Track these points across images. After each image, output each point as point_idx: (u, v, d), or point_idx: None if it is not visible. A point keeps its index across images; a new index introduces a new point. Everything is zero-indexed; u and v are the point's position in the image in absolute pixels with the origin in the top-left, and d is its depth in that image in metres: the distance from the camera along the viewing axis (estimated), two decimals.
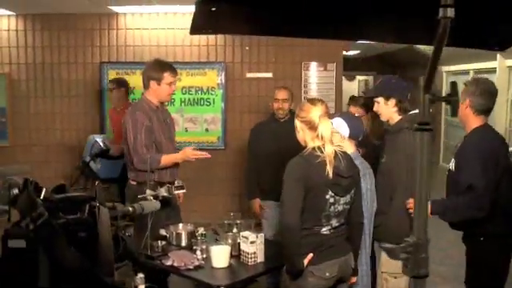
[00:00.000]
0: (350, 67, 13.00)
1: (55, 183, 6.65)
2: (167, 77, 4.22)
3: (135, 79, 7.05)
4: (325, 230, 2.95)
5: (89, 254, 1.57)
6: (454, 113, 1.15)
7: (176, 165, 4.43)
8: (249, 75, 7.18)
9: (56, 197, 1.76)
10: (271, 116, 5.15)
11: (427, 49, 12.25)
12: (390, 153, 3.43)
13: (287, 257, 2.95)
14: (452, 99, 1.16)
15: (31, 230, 1.51)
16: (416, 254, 1.25)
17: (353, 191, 3.03)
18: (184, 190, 3.79)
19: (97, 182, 1.73)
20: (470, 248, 3.40)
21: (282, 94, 5.03)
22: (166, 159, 4.17)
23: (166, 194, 3.67)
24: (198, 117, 7.17)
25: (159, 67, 4.28)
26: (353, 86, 19.04)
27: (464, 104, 3.38)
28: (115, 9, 6.78)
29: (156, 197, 3.61)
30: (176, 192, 3.72)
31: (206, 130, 7.17)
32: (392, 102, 3.47)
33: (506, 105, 9.81)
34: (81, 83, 7.21)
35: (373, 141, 3.73)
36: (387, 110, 3.50)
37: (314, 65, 7.19)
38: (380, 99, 3.52)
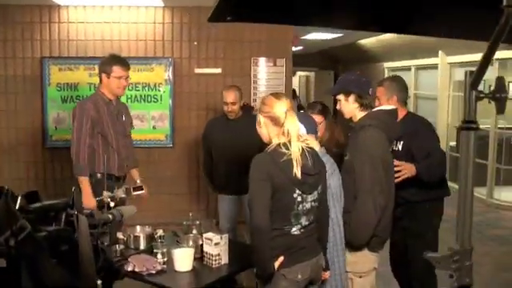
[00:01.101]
0: (294, 63, 12.97)
1: None
2: (116, 70, 4.23)
3: (79, 75, 6.79)
4: (295, 230, 2.86)
5: (71, 269, 1.40)
6: (501, 110, 1.06)
7: (128, 157, 4.42)
8: (197, 71, 7.02)
9: (32, 206, 1.57)
10: (224, 115, 5.16)
11: (369, 45, 12.42)
12: (352, 150, 3.37)
13: (258, 261, 2.84)
14: (499, 96, 1.08)
15: (12, 247, 1.33)
16: (462, 263, 1.16)
17: (320, 187, 2.95)
18: (143, 191, 3.62)
19: (74, 187, 1.58)
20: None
21: (230, 97, 5.02)
22: (84, 183, 4.12)
23: (123, 196, 3.50)
24: (145, 114, 6.95)
25: (109, 60, 4.31)
26: (294, 82, 19.14)
27: (392, 100, 3.96)
28: (57, 0, 6.47)
29: (113, 198, 3.44)
30: (135, 193, 3.55)
31: (154, 127, 6.97)
32: (352, 98, 3.41)
33: (448, 100, 10.05)
34: (20, 79, 6.84)
35: (332, 149, 3.70)
36: (348, 106, 3.44)
37: (263, 60, 7.10)
38: (340, 96, 3.45)
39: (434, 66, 10.27)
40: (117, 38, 6.85)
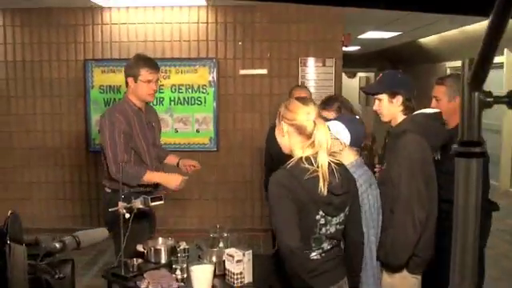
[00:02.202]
0: (350, 64, 12.54)
1: (37, 189, 6.20)
2: (144, 73, 3.76)
3: (121, 77, 6.57)
4: (315, 255, 2.50)
5: None
6: None
7: (157, 166, 4.03)
8: (242, 72, 6.75)
9: None
10: None
11: (430, 43, 11.83)
12: (391, 158, 2.99)
13: (298, 284, 2.45)
14: None
15: None
16: None
17: (347, 208, 2.58)
18: (162, 202, 3.35)
19: (10, 211, 1.34)
20: None
21: (299, 94, 4.46)
22: (150, 177, 3.78)
23: (141, 207, 3.25)
24: (188, 117, 6.74)
25: (135, 62, 3.85)
26: (354, 84, 18.65)
27: (454, 101, 3.40)
28: (100, 2, 6.35)
29: (130, 209, 3.21)
30: (153, 204, 3.29)
31: (197, 130, 6.75)
32: (398, 99, 3.03)
33: None
34: (64, 82, 6.79)
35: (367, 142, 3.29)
36: (392, 108, 3.06)
37: (311, 60, 6.76)
38: (383, 96, 3.07)
39: (499, 65, 9.61)
40: (160, 39, 6.68)
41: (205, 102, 6.73)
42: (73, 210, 6.97)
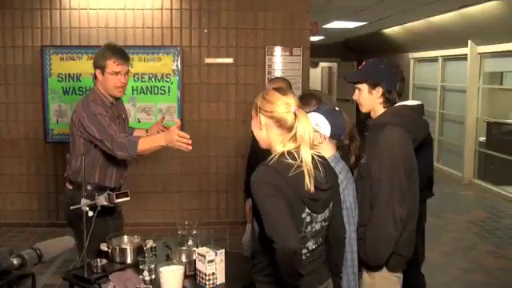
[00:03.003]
0: (313, 53, 12.41)
1: None
2: (111, 65, 3.47)
3: (81, 65, 6.37)
4: None
5: None
6: None
7: (124, 166, 3.79)
8: (208, 61, 6.54)
9: None
10: None
11: (394, 34, 11.82)
12: (370, 152, 2.85)
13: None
14: None
15: None
16: None
17: (331, 204, 2.43)
18: (128, 198, 3.15)
19: None
20: None
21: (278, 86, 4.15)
22: (145, 143, 3.36)
23: (105, 203, 3.04)
24: (151, 106, 6.51)
25: (102, 53, 3.55)
26: (317, 73, 18.61)
27: None
28: None
29: (94, 206, 3.00)
30: (118, 200, 3.08)
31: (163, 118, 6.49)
32: (379, 90, 2.90)
33: (478, 93, 9.43)
34: (20, 69, 6.45)
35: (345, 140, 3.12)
36: (371, 99, 2.93)
37: (278, 49, 6.60)
38: (363, 86, 2.92)
39: (463, 57, 9.64)
40: (122, 26, 6.41)
41: (169, 92, 6.50)
42: (30, 203, 6.66)
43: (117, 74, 3.50)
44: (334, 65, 17.56)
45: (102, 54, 3.54)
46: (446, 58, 10.77)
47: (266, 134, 2.36)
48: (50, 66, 6.39)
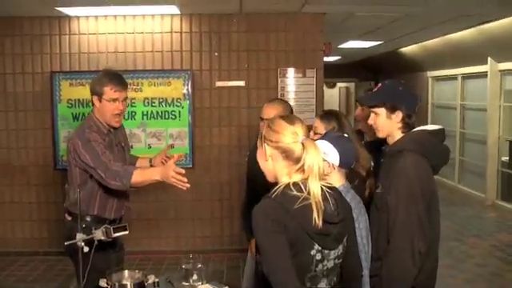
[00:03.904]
0: (330, 73, 12.25)
1: (1, 209, 5.77)
2: (108, 92, 3.36)
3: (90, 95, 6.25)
4: None
5: None
6: None
7: (125, 197, 3.63)
8: (218, 84, 6.41)
9: None
10: None
11: (411, 53, 11.62)
12: (387, 180, 2.65)
13: None
14: None
15: None
16: None
17: (345, 239, 2.22)
18: (126, 232, 2.98)
19: None
20: None
21: (269, 112, 3.70)
22: (140, 175, 3.22)
23: (103, 238, 2.88)
24: (162, 131, 6.38)
25: (99, 79, 3.44)
26: (334, 94, 18.43)
27: None
28: (66, 11, 5.96)
29: (90, 242, 2.84)
30: (116, 234, 2.92)
31: (172, 146, 6.34)
32: (398, 115, 2.70)
33: (499, 111, 9.17)
34: (29, 96, 6.37)
35: (362, 172, 2.92)
36: (390, 124, 2.73)
37: (291, 71, 6.44)
38: (381, 110, 2.72)
39: (483, 74, 9.40)
40: (131, 50, 6.32)
41: (179, 116, 6.37)
42: (40, 231, 6.55)
43: (114, 100, 3.39)
44: (352, 85, 17.39)
45: (99, 81, 3.43)
46: (466, 76, 10.53)
47: (272, 165, 2.19)
48: (60, 92, 6.30)
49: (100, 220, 3.37)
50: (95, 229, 2.93)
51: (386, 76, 13.51)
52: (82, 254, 2.78)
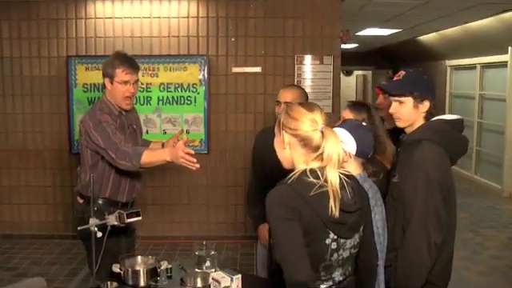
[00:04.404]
0: (347, 61, 12.15)
1: (17, 193, 5.80)
2: (120, 74, 3.35)
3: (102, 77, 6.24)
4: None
5: None
6: None
7: (137, 179, 3.62)
8: (235, 70, 6.36)
9: None
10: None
11: (430, 41, 11.47)
12: (404, 170, 2.59)
13: None
14: None
15: None
16: None
17: (361, 228, 2.18)
18: (139, 218, 2.97)
19: None
20: None
21: (285, 96, 3.65)
22: (149, 156, 3.24)
23: (116, 223, 2.87)
24: (177, 117, 6.35)
25: (111, 61, 3.43)
26: (351, 82, 18.30)
27: None
28: None
29: (104, 227, 2.82)
30: (129, 220, 2.90)
31: (187, 131, 6.34)
32: (426, 105, 2.63)
33: None
34: (45, 80, 6.38)
35: (387, 165, 2.86)
36: (415, 114, 2.65)
37: (308, 58, 6.37)
38: (408, 99, 2.63)
39: (503, 64, 9.24)
40: (147, 35, 6.29)
41: (195, 102, 6.34)
42: (55, 215, 6.58)
43: (125, 83, 3.38)
44: (369, 73, 17.23)
45: (110, 63, 3.43)
46: (485, 66, 10.37)
47: (290, 153, 2.14)
48: (75, 77, 6.30)
49: (112, 203, 3.38)
50: (108, 213, 2.92)
51: (404, 65, 13.36)
52: (94, 238, 2.77)
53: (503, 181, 9.27)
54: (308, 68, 6.39)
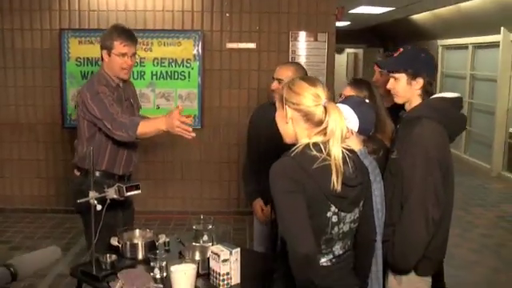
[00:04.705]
0: (339, 39, 12.12)
1: (9, 167, 5.76)
2: (118, 46, 3.35)
3: (100, 49, 6.17)
4: (324, 261, 2.13)
5: None
6: None
7: (133, 151, 3.63)
8: (229, 46, 6.33)
9: None
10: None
11: (422, 20, 11.46)
12: (403, 146, 2.62)
13: None
14: None
15: None
16: None
17: (361, 203, 2.21)
18: (139, 191, 2.98)
19: None
20: None
21: (280, 73, 3.61)
22: (145, 126, 3.24)
23: (115, 197, 2.87)
24: (171, 92, 6.33)
25: (109, 33, 3.42)
26: (342, 60, 18.27)
27: None
28: None
29: (103, 200, 2.83)
30: (129, 194, 2.91)
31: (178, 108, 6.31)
32: (419, 82, 2.65)
33: (510, 81, 9.07)
34: (37, 53, 6.31)
35: (387, 142, 2.88)
36: (409, 91, 2.67)
37: (303, 34, 6.36)
38: (402, 75, 2.66)
39: (495, 44, 9.27)
40: (141, 9, 6.24)
41: (189, 77, 6.32)
42: (47, 189, 6.57)
43: (123, 55, 3.38)
44: (360, 51, 17.20)
45: (108, 35, 3.42)
46: (477, 46, 10.40)
47: (292, 127, 2.15)
48: (68, 50, 6.25)
49: (109, 175, 3.40)
50: (107, 186, 2.92)
51: (395, 43, 13.36)
52: (94, 211, 2.78)
53: (492, 160, 9.37)
54: (302, 45, 6.39)
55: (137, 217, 5.94)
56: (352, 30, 15.01)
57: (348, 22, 13.07)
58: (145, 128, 3.24)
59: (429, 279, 2.72)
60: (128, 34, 3.43)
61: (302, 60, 6.31)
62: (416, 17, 11.56)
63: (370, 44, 15.93)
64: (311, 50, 6.38)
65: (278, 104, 2.21)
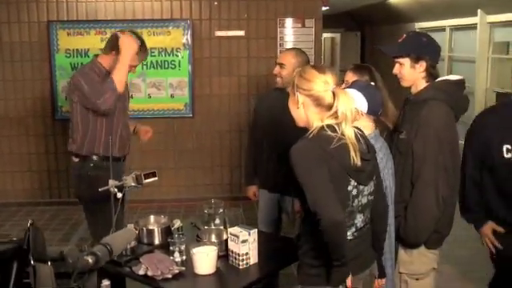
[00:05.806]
0: None
1: (1, 161, 5.74)
2: (134, 58, 3.48)
3: (89, 40, 6.21)
4: (349, 235, 2.27)
5: None
6: None
7: (127, 135, 3.76)
8: (218, 34, 6.39)
9: None
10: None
11: (400, 4, 11.61)
12: (411, 127, 2.74)
13: (339, 264, 2.17)
14: None
15: None
16: None
17: (375, 176, 2.37)
18: (156, 178, 3.07)
19: (30, 221, 1.08)
20: None
21: (282, 58, 3.80)
22: (117, 74, 3.38)
23: (133, 184, 2.95)
24: (161, 81, 6.38)
25: (133, 44, 3.48)
26: None
27: None
28: None
29: (121, 188, 2.91)
30: (147, 181, 2.99)
31: (172, 96, 6.40)
32: (422, 65, 2.77)
33: (487, 64, 9.28)
34: (26, 46, 6.29)
35: (390, 125, 3.01)
36: (413, 74, 2.80)
37: (290, 21, 6.45)
38: (405, 60, 2.79)
39: (473, 26, 9.46)
40: None
41: (179, 66, 6.37)
42: (40, 182, 6.58)
43: (131, 66, 3.51)
44: (337, 35, 17.31)
45: (131, 45, 3.46)
46: (454, 28, 10.59)
47: (304, 112, 2.31)
48: (57, 42, 6.24)
49: (106, 158, 3.46)
50: (124, 176, 2.99)
51: (372, 26, 13.54)
52: (114, 199, 2.85)
53: None
54: (290, 31, 6.48)
55: (132, 206, 6.08)
56: (329, 14, 15.11)
57: (327, 7, 13.16)
58: (117, 76, 3.37)
59: (437, 252, 2.87)
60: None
61: (290, 46, 6.39)
62: (393, 0, 11.70)
63: (347, 28, 16.06)
64: (299, 36, 6.47)
65: (289, 90, 2.36)
